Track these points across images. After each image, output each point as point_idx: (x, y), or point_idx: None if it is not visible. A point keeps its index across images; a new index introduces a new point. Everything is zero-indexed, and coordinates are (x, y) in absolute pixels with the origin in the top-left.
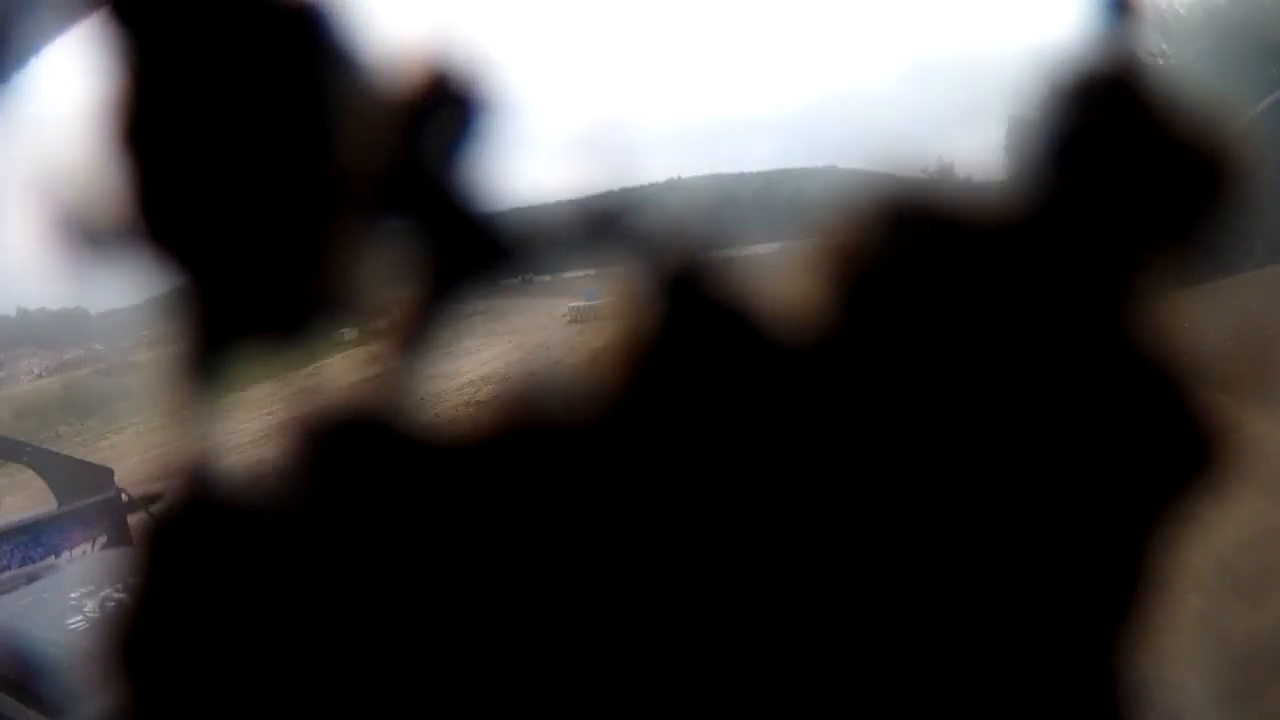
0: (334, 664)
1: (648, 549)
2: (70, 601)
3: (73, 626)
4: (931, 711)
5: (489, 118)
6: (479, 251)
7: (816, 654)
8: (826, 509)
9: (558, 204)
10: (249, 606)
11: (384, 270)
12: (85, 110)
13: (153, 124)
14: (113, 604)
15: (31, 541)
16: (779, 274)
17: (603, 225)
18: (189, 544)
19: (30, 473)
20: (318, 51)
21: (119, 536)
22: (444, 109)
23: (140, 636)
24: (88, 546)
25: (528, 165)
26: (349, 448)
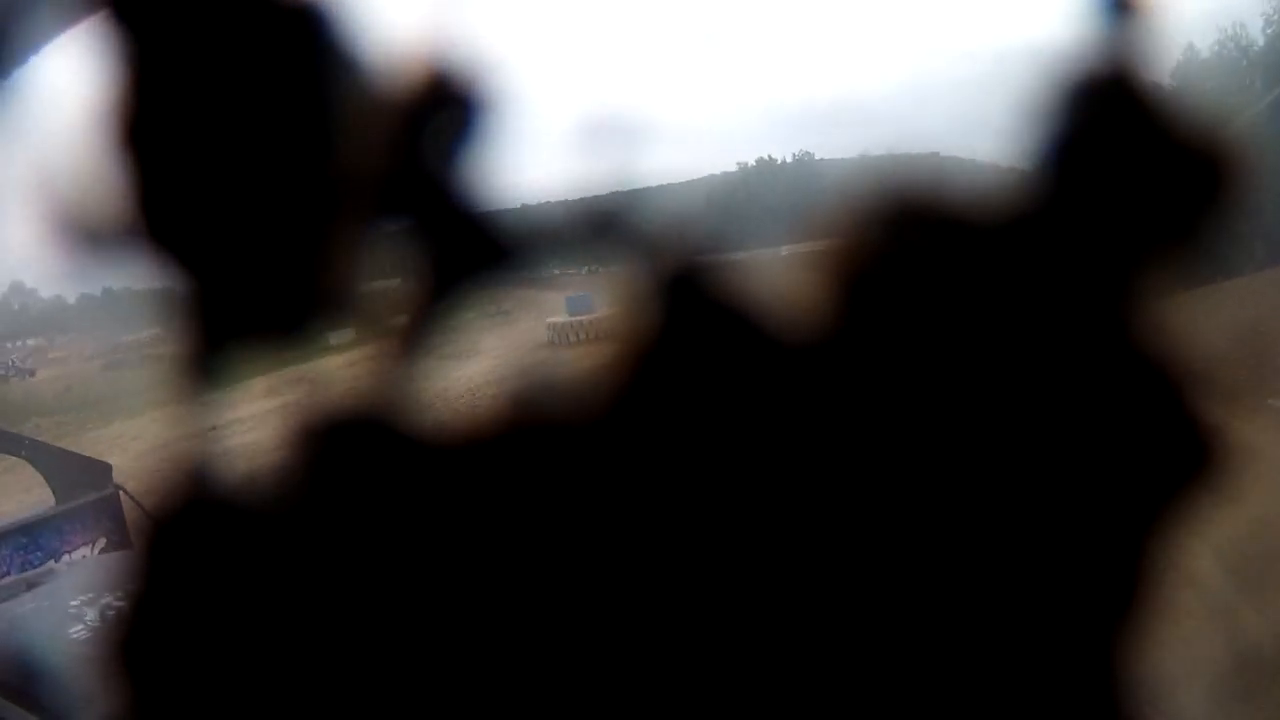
0: (334, 664)
1: (648, 548)
2: (70, 609)
3: (73, 634)
4: (932, 710)
5: (489, 117)
6: (478, 251)
7: (817, 652)
8: (827, 508)
9: (557, 204)
10: (248, 607)
11: (383, 270)
12: (85, 110)
13: (152, 124)
14: (113, 611)
15: (30, 545)
16: (779, 275)
17: (602, 225)
18: (188, 544)
19: (22, 464)
20: (318, 51)
21: (118, 537)
22: (443, 108)
23: (139, 640)
24: (86, 550)
25: (528, 165)
26: (348, 447)
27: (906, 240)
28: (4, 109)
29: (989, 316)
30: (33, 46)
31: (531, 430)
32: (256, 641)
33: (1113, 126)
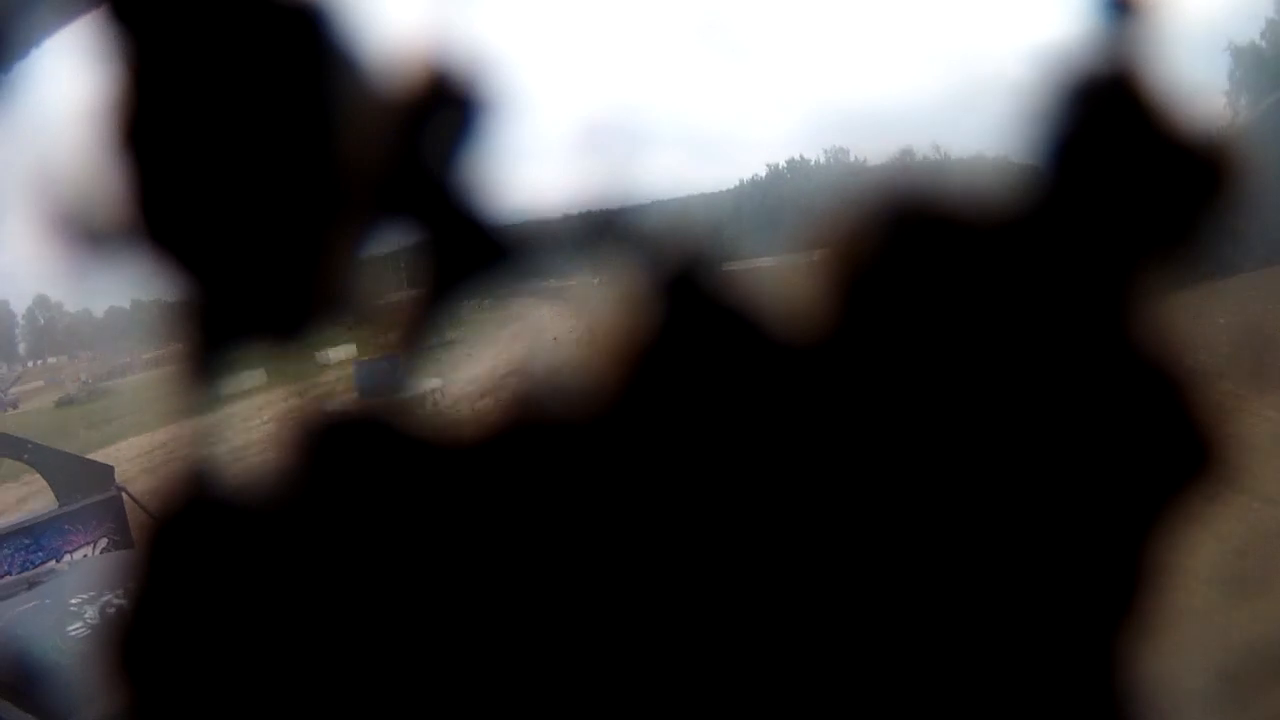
0: (334, 663)
1: (647, 548)
2: (71, 608)
3: (74, 633)
4: (932, 710)
5: (490, 120)
6: (479, 253)
7: (816, 651)
8: (828, 507)
9: (562, 213)
10: (248, 607)
11: (383, 271)
12: (84, 109)
13: (151, 123)
14: (114, 610)
15: (32, 545)
16: (780, 277)
17: (604, 232)
18: (189, 545)
19: (21, 469)
20: (318, 52)
21: (120, 537)
22: (444, 111)
23: (140, 640)
24: (88, 550)
25: (532, 170)
26: (348, 447)
27: (906, 241)
28: (3, 108)
29: (988, 316)
30: (31, 44)
31: (531, 430)
32: (257, 641)
33: (1113, 126)
